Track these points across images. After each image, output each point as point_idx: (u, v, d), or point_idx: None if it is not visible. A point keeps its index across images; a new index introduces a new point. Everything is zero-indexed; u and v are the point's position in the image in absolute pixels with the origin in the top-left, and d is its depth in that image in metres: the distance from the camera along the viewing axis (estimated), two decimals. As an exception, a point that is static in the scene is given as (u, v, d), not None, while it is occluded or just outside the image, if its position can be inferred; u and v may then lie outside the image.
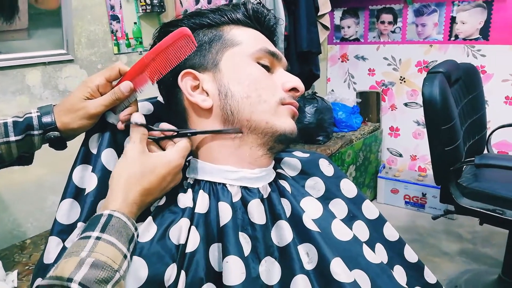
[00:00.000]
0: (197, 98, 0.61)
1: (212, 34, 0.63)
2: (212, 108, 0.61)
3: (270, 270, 0.57)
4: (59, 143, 0.62)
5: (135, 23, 1.78)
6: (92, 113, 0.59)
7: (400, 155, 2.92)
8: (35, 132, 0.60)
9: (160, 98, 0.70)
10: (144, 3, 1.77)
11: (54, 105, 0.62)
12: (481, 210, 1.55)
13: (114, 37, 1.71)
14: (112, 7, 1.68)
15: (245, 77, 0.60)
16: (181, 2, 1.93)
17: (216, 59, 0.61)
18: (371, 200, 2.85)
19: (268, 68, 0.63)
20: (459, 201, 1.61)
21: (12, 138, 0.59)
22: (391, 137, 2.92)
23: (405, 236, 2.35)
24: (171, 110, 0.66)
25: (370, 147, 2.74)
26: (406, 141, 2.86)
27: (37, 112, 0.61)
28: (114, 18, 1.70)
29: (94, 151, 0.61)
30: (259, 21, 0.66)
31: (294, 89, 0.64)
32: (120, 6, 1.71)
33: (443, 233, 2.42)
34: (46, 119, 0.60)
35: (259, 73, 0.61)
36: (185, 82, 0.61)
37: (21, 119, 0.60)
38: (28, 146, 0.61)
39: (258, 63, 0.62)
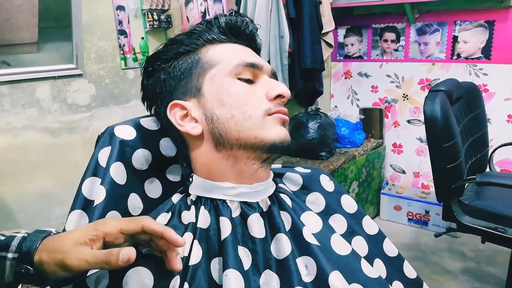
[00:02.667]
0: (186, 127, 0.62)
1: (191, 60, 0.63)
2: (203, 133, 0.62)
3: (269, 282, 0.58)
4: (35, 279, 0.49)
5: (142, 38, 1.82)
6: (68, 264, 0.47)
7: (403, 172, 2.92)
8: (9, 255, 0.48)
9: None
10: (152, 19, 1.82)
11: (53, 233, 0.53)
12: (483, 228, 1.55)
13: (122, 52, 1.75)
14: (120, 22, 1.73)
15: (227, 97, 0.61)
16: (187, 18, 1.97)
17: (198, 85, 0.62)
18: (374, 217, 2.85)
19: (250, 81, 0.63)
20: (461, 218, 1.61)
21: None
22: (394, 154, 2.93)
23: (408, 254, 2.36)
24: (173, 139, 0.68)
25: (373, 163, 2.75)
26: (409, 157, 2.86)
27: (25, 233, 0.51)
28: (122, 32, 1.74)
29: (104, 164, 0.63)
30: (234, 33, 0.66)
31: (279, 96, 0.63)
32: (128, 21, 1.76)
33: (446, 251, 2.41)
34: (29, 244, 0.49)
35: (240, 90, 0.61)
36: (173, 114, 0.62)
37: (3, 237, 0.50)
38: None
39: (239, 78, 0.62)
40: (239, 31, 0.66)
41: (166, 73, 0.64)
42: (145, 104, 0.69)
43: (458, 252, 2.39)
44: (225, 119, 0.60)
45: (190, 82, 0.62)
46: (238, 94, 0.61)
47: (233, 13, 0.66)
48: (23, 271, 0.48)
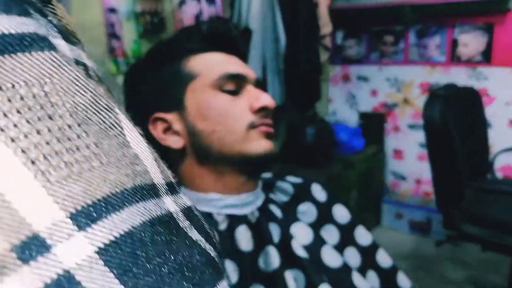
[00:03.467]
0: (168, 141, 0.59)
1: (171, 71, 0.61)
2: (185, 147, 0.59)
3: None
4: None
5: (135, 42, 1.79)
6: None
7: (404, 179, 2.87)
8: None
9: None
10: (144, 22, 1.78)
11: None
12: (483, 236, 1.52)
13: (114, 55, 1.71)
14: (112, 25, 1.69)
15: (208, 111, 0.58)
16: (181, 21, 1.94)
17: (179, 97, 0.59)
18: (375, 225, 2.80)
19: (234, 92, 0.60)
20: (461, 226, 1.57)
21: None
22: (394, 160, 2.88)
23: (410, 263, 2.31)
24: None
25: (373, 170, 2.70)
26: (410, 164, 2.81)
27: None
28: (114, 36, 1.71)
29: None
30: (217, 41, 0.63)
31: (264, 107, 0.60)
32: (121, 25, 1.72)
33: (448, 259, 2.36)
34: None
35: (222, 104, 0.59)
36: (155, 127, 0.60)
37: None
38: None
39: (223, 90, 0.59)
40: (221, 38, 0.63)
41: (146, 85, 0.61)
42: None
43: (460, 260, 2.34)
44: (207, 134, 0.57)
45: (171, 95, 0.60)
46: (220, 108, 0.58)
47: (215, 19, 0.63)
48: None
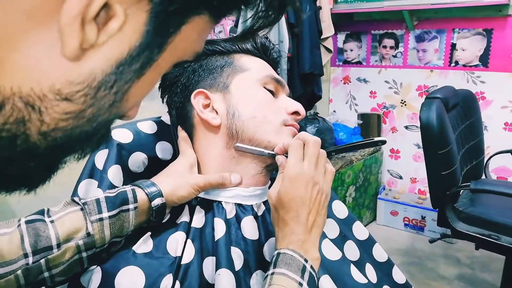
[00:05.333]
0: (207, 115, 0.64)
1: (223, 60, 0.68)
2: (220, 126, 0.64)
3: (261, 283, 0.59)
4: (160, 213, 0.59)
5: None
6: (201, 186, 0.61)
7: (400, 177, 2.94)
8: (130, 206, 0.56)
9: (164, 118, 0.74)
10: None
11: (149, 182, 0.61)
12: (477, 235, 1.57)
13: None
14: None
15: (253, 99, 0.65)
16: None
17: (227, 82, 0.66)
18: (370, 222, 2.86)
19: (273, 93, 0.68)
20: (455, 225, 1.62)
21: (105, 214, 0.54)
22: (391, 159, 2.94)
23: (404, 259, 2.37)
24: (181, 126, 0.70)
25: (370, 168, 2.76)
26: (406, 163, 2.88)
27: (130, 186, 0.59)
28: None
29: (100, 166, 0.64)
30: (265, 53, 0.72)
31: (296, 113, 0.68)
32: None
33: (441, 257, 2.41)
34: (150, 189, 0.58)
35: (265, 96, 0.66)
36: (197, 100, 0.65)
37: (113, 194, 0.57)
38: (120, 225, 0.56)
39: (265, 87, 0.67)
40: (268, 52, 0.72)
41: (198, 64, 0.67)
42: (160, 90, 0.71)
43: (453, 258, 2.40)
44: (246, 118, 0.63)
45: (219, 78, 0.66)
46: (263, 99, 0.66)
47: (267, 38, 0.73)
48: (159, 205, 0.58)
